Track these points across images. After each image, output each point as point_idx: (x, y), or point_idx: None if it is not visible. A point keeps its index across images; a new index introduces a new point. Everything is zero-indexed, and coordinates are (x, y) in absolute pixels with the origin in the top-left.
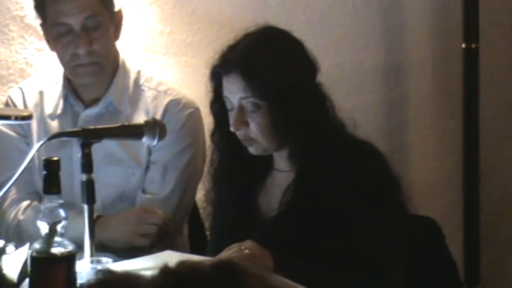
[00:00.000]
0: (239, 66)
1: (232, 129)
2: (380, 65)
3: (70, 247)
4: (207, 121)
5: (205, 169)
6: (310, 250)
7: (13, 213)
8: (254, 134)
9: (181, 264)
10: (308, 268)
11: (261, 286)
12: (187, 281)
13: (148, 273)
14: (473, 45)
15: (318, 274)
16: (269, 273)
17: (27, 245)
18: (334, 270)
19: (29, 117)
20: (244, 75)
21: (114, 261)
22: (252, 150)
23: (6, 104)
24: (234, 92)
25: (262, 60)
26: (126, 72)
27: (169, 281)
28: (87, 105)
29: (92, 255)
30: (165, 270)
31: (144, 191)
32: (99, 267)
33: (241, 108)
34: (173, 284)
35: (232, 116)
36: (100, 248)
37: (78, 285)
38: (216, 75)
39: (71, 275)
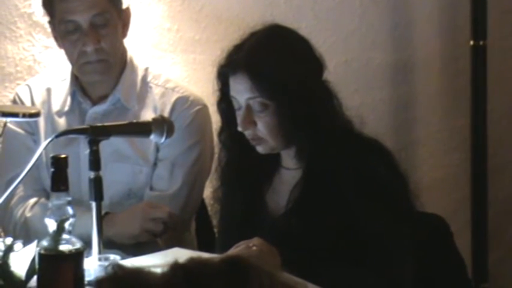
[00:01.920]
0: (245, 67)
1: (240, 129)
2: (388, 62)
3: (78, 244)
4: (215, 118)
5: (213, 167)
6: (317, 247)
7: (20, 211)
8: (262, 133)
9: (191, 260)
10: (315, 265)
11: (270, 282)
12: (197, 276)
13: (157, 269)
14: (481, 43)
15: (325, 271)
16: (278, 270)
17: (35, 242)
18: (341, 267)
19: (36, 115)
20: (250, 75)
21: (122, 258)
22: (260, 149)
23: (14, 101)
24: (241, 92)
25: (269, 60)
26: (133, 70)
27: (178, 276)
28: (94, 102)
29: (99, 252)
30: (175, 266)
31: (151, 188)
32: (108, 263)
33: (248, 108)
34: (182, 278)
35: (239, 116)
36: (108, 245)
37: (86, 282)
38: (223, 75)
39: (79, 272)
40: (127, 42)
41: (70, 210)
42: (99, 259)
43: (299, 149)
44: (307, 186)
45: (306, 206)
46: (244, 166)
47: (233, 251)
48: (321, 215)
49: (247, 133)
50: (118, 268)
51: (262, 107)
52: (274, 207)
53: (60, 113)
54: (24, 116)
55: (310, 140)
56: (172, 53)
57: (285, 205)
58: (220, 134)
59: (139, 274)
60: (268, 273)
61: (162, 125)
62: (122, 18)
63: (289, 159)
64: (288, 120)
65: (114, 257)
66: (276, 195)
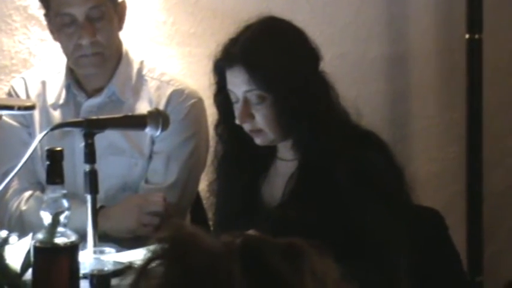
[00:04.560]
0: (242, 60)
1: (238, 122)
2: (384, 55)
3: (73, 237)
4: (210, 111)
5: (208, 160)
6: (312, 239)
7: (15, 204)
8: (261, 125)
9: (249, 234)
10: None
11: (322, 272)
12: (254, 247)
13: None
14: (477, 36)
15: None
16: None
17: (30, 235)
18: (336, 259)
19: (32, 108)
20: (247, 68)
21: (117, 251)
22: (258, 141)
23: (9, 94)
24: (238, 85)
25: (265, 53)
26: (129, 63)
27: (237, 243)
28: (89, 95)
29: (95, 245)
30: (235, 234)
31: (147, 181)
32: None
33: (246, 101)
34: (239, 246)
35: (237, 109)
36: (103, 238)
37: (81, 275)
38: (219, 69)
39: (74, 265)
40: (123, 35)
41: (65, 203)
42: (94, 252)
43: (296, 140)
44: (303, 177)
45: (301, 197)
46: (240, 159)
47: None
48: (316, 206)
49: (246, 126)
50: (178, 228)
51: (259, 99)
52: (269, 198)
53: (55, 106)
54: (19, 109)
55: (308, 131)
56: (168, 46)
57: (280, 196)
58: (216, 127)
59: (197, 236)
60: (322, 264)
61: (158, 118)
62: (117, 11)
63: (285, 150)
64: (285, 111)
65: (110, 250)
66: (271, 187)
